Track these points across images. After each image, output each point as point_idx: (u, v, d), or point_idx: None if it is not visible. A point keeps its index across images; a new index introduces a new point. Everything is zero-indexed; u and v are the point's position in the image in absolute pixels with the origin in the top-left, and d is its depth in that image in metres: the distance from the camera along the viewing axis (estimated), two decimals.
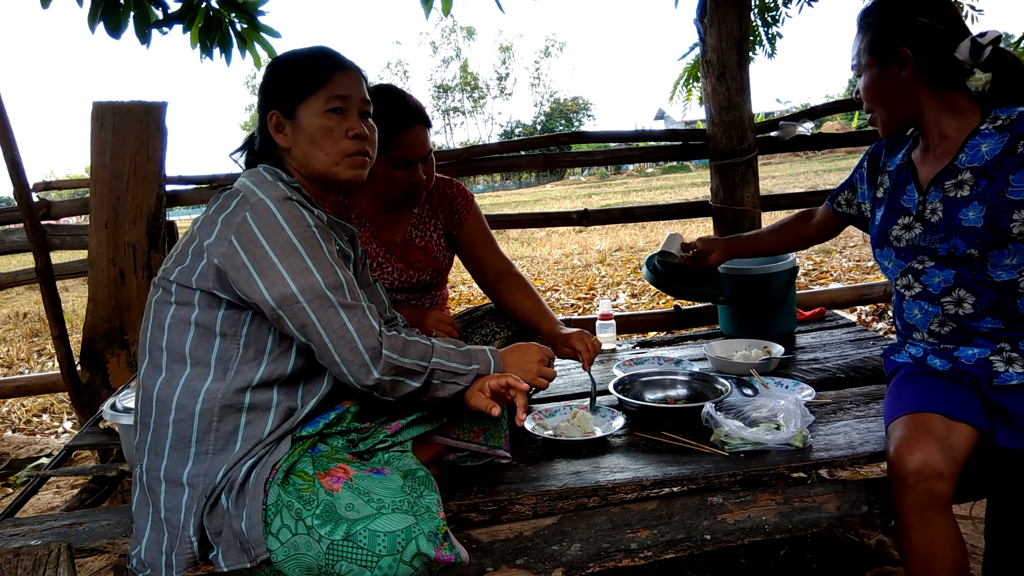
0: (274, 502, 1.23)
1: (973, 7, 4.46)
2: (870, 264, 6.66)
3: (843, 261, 7.04)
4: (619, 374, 2.05)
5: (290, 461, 1.28)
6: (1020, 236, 1.45)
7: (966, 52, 1.48)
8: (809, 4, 4.45)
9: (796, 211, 2.13)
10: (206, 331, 1.29)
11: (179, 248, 1.33)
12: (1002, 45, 1.52)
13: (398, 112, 1.76)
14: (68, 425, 4.16)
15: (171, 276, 1.30)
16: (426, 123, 1.82)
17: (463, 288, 7.19)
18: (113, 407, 1.65)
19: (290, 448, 1.30)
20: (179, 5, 2.76)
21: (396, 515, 1.20)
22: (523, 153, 3.61)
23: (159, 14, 2.74)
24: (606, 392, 1.91)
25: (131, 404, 1.64)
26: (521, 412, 1.37)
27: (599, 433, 1.69)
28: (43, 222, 3.05)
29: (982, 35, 1.48)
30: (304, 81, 1.34)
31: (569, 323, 3.29)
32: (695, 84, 5.01)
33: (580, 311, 6.01)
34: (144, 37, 2.67)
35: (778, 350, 2.12)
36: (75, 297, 8.78)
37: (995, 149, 1.48)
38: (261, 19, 2.91)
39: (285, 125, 1.36)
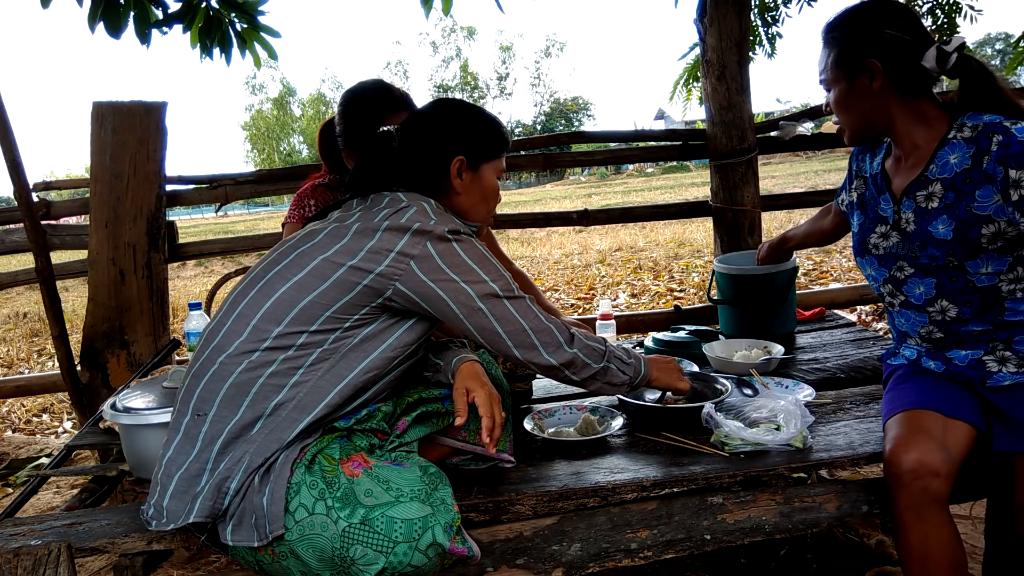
0: (297, 482, 1.24)
1: (972, 7, 4.46)
2: None
3: (843, 261, 7.04)
4: None
5: (320, 446, 1.30)
6: (990, 247, 1.46)
7: (932, 60, 1.48)
8: (809, 4, 4.46)
9: (823, 207, 2.15)
10: (335, 319, 1.31)
11: (349, 238, 1.34)
12: (1000, 45, 1.52)
13: (382, 99, 1.79)
14: (68, 425, 4.17)
15: (343, 262, 1.31)
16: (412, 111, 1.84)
17: None
18: (113, 407, 1.64)
19: (320, 435, 1.32)
20: (179, 5, 2.76)
21: (414, 504, 1.23)
22: (523, 153, 3.61)
23: (159, 14, 2.74)
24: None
25: (131, 404, 1.64)
26: (485, 435, 1.38)
27: (599, 433, 1.70)
28: (43, 222, 3.05)
29: (946, 42, 1.48)
30: (496, 143, 1.51)
31: None
32: (695, 84, 5.01)
33: (580, 311, 6.00)
34: (144, 37, 2.67)
35: (778, 350, 2.12)
36: (75, 297, 8.78)
37: (963, 162, 1.47)
38: (261, 19, 2.91)
39: (465, 173, 1.47)
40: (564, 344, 1.42)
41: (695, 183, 19.89)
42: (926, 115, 1.53)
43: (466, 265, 1.34)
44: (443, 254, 1.33)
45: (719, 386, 1.82)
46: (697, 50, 3.83)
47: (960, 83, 1.52)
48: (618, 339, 2.79)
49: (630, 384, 1.55)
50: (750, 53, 3.34)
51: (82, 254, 3.10)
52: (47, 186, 3.24)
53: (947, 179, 1.50)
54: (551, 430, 1.75)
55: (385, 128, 1.51)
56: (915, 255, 1.55)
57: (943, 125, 1.52)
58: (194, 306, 2.17)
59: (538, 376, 2.17)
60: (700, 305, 3.51)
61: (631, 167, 30.68)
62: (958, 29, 4.49)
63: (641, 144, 3.69)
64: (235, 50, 2.93)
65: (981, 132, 1.46)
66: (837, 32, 1.54)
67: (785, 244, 2.27)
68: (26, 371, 5.61)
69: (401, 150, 1.48)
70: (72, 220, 3.63)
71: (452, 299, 1.34)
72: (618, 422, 1.74)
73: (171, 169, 3.09)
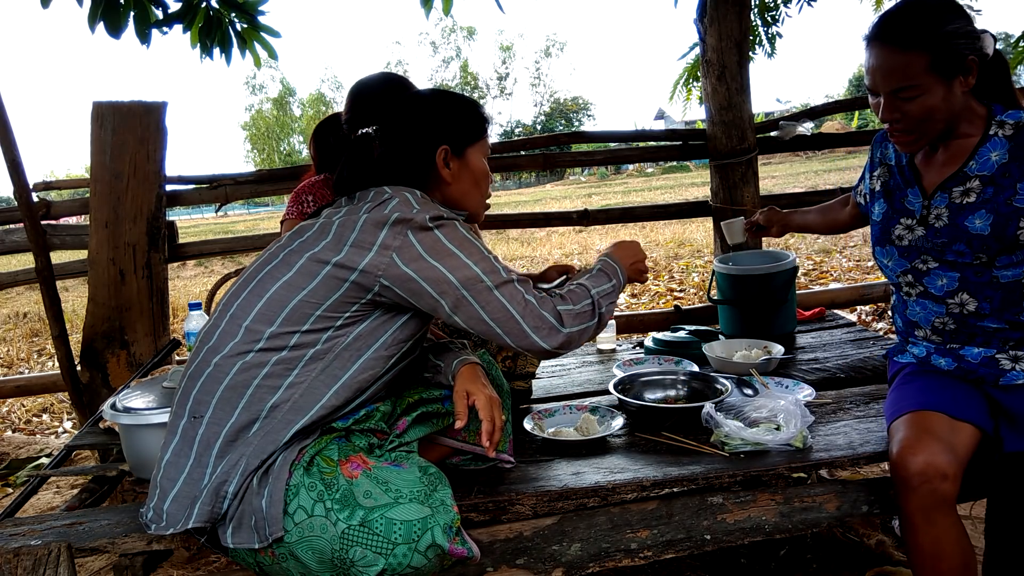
0: (295, 484, 1.24)
1: (972, 7, 4.45)
2: (870, 264, 6.66)
3: (843, 261, 7.04)
4: (619, 374, 2.05)
5: (318, 447, 1.29)
6: None
7: (991, 47, 1.45)
8: (809, 4, 4.45)
9: (840, 196, 2.09)
10: (326, 318, 1.31)
11: (334, 238, 1.33)
12: (1000, 45, 1.51)
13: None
14: (68, 425, 4.17)
15: (329, 259, 1.30)
16: None
17: None
18: (113, 407, 1.64)
19: (318, 436, 1.32)
20: (179, 5, 2.76)
21: (413, 505, 1.23)
22: (523, 153, 3.61)
23: (159, 14, 2.74)
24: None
25: (131, 404, 1.64)
26: (485, 439, 1.38)
27: (599, 433, 1.70)
28: (43, 222, 3.05)
29: (982, 31, 1.46)
30: (476, 124, 1.47)
31: None
32: (695, 84, 5.01)
33: None
34: (144, 37, 2.67)
35: (778, 350, 2.12)
36: (75, 297, 8.78)
37: (1003, 157, 1.46)
38: (261, 19, 2.91)
39: (452, 161, 1.44)
40: (557, 325, 1.35)
41: (695, 183, 19.89)
42: (973, 109, 1.50)
43: (446, 250, 1.31)
44: (423, 242, 1.30)
45: (719, 386, 1.82)
46: (697, 50, 3.83)
47: (981, 73, 1.47)
48: (618, 339, 2.78)
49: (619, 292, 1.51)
50: (750, 53, 3.34)
51: (82, 254, 3.10)
52: (47, 186, 3.25)
53: (986, 175, 1.48)
54: (551, 430, 1.75)
55: (364, 131, 1.47)
56: (941, 250, 1.53)
57: (982, 121, 1.50)
58: (194, 306, 2.17)
59: (537, 376, 2.17)
60: (700, 305, 3.51)
61: (631, 167, 30.67)
62: None
63: (641, 144, 3.69)
64: (235, 50, 2.93)
65: (1023, 128, 1.45)
66: (926, 35, 1.40)
67: (789, 219, 2.18)
68: (26, 371, 5.61)
69: (383, 151, 1.45)
70: (72, 220, 3.64)
71: (435, 289, 1.30)
72: (618, 422, 1.74)
73: (171, 169, 3.10)
